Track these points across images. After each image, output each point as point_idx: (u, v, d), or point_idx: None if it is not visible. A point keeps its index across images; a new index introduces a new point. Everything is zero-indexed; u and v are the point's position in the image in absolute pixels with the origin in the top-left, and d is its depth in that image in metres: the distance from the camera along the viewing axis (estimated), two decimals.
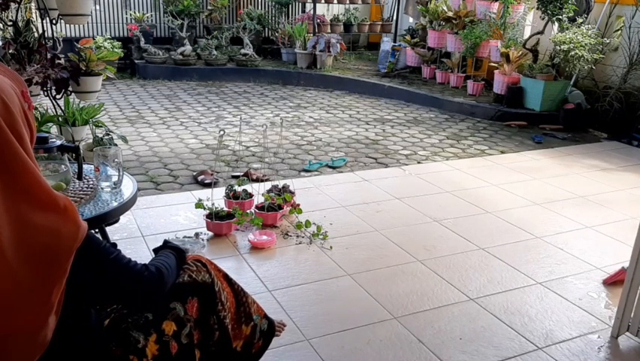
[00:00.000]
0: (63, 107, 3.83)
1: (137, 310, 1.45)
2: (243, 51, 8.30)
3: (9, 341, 1.14)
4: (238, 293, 1.70)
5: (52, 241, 1.14)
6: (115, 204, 2.06)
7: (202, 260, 1.64)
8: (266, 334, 1.77)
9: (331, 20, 9.26)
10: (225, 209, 3.30)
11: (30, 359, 1.19)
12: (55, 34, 3.73)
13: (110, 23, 8.85)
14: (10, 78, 1.22)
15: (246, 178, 3.72)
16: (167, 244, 1.66)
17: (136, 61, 8.14)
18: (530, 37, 6.55)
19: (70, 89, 3.65)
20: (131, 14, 8.68)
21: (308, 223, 3.24)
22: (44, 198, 1.15)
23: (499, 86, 6.51)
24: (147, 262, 1.46)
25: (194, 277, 1.57)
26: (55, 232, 1.15)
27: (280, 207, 3.35)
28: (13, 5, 3.50)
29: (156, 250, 1.64)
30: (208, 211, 3.21)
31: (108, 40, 7.09)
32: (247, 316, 1.70)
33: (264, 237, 3.12)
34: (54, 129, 3.78)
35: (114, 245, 1.38)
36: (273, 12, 9.74)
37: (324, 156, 4.82)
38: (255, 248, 3.04)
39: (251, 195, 3.44)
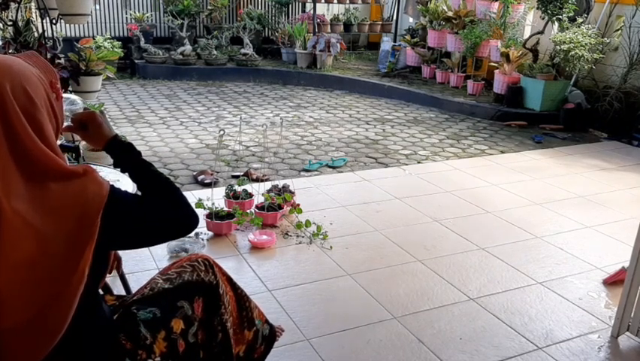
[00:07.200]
0: None
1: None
2: (242, 51, 8.30)
3: (39, 318, 1.16)
4: (241, 298, 1.70)
5: (80, 201, 1.21)
6: None
7: (210, 261, 1.64)
8: (268, 339, 1.78)
9: (331, 20, 9.25)
10: (225, 209, 3.30)
11: (53, 339, 1.20)
12: (55, 34, 3.73)
13: (110, 23, 8.84)
14: (40, 68, 1.28)
15: (245, 178, 3.72)
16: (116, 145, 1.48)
17: (136, 61, 8.14)
18: (530, 36, 6.55)
19: (70, 88, 3.66)
20: (131, 14, 8.68)
21: (308, 223, 3.24)
22: (65, 172, 1.22)
23: (499, 85, 6.50)
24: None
25: (202, 276, 1.58)
26: (82, 191, 1.22)
27: (280, 207, 3.35)
28: (13, 5, 3.50)
29: (120, 163, 1.49)
30: (208, 211, 3.21)
31: (108, 40, 7.08)
32: (250, 321, 1.71)
33: (264, 237, 3.12)
34: None
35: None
36: (273, 12, 9.74)
37: (324, 156, 4.82)
38: (255, 248, 3.04)
39: (251, 195, 3.44)
